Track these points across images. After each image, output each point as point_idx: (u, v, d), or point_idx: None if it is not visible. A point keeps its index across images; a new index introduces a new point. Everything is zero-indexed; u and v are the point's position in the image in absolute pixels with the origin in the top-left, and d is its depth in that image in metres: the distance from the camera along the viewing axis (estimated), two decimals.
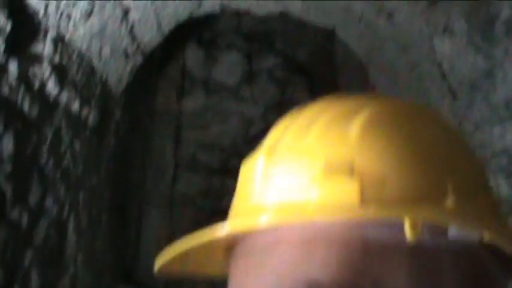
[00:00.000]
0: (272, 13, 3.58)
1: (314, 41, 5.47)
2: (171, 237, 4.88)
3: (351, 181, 0.51)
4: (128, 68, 3.31)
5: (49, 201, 2.39)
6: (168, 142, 5.12)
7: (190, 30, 5.36)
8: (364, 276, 0.49)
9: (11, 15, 1.86)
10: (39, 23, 2.11)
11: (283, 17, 3.97)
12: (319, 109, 0.63)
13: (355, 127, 0.56)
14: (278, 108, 5.40)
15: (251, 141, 5.32)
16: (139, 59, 3.38)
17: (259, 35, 5.78)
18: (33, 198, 2.20)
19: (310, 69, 5.59)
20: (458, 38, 2.27)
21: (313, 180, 0.53)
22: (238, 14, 5.47)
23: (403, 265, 0.49)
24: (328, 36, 5.13)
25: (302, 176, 0.54)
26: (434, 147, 0.57)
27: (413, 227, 0.47)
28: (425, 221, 0.49)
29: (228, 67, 5.50)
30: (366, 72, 3.62)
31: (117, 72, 3.17)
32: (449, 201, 0.52)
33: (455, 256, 0.52)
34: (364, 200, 0.50)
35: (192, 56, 5.47)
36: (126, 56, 3.15)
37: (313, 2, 3.20)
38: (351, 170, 0.52)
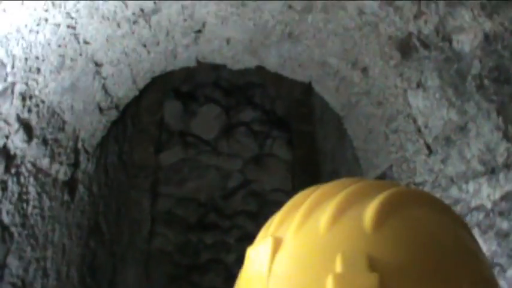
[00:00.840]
0: (248, 68, 3.58)
1: (292, 95, 5.49)
2: None
3: (370, 275, 0.51)
4: (103, 122, 3.27)
5: (14, 261, 2.31)
6: (144, 196, 5.04)
7: (168, 83, 5.36)
8: None
9: None
10: (6, 78, 2.07)
11: (260, 71, 3.98)
12: (322, 196, 0.65)
13: (369, 218, 0.57)
14: (256, 162, 5.38)
15: (229, 195, 5.27)
16: (114, 113, 3.35)
17: (237, 89, 5.79)
18: None
19: (288, 123, 5.59)
20: (432, 93, 2.27)
21: (329, 275, 0.52)
22: (216, 68, 5.49)
23: None
24: (306, 90, 5.15)
25: (315, 270, 0.54)
26: (448, 238, 0.59)
27: None
28: None
29: (206, 120, 5.48)
30: (344, 126, 3.62)
31: (90, 127, 3.13)
32: None
33: None
34: None
35: (170, 109, 5.45)
36: (100, 110, 3.12)
37: (289, 56, 3.21)
38: (369, 263, 0.52)
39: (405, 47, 2.34)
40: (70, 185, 3.04)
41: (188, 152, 5.35)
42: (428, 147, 2.47)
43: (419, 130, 2.51)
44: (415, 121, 2.51)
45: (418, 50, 2.24)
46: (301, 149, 5.35)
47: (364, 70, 2.81)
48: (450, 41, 2.00)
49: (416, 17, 2.11)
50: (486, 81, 1.84)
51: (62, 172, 2.84)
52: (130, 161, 4.96)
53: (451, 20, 1.92)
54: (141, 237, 4.92)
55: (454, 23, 1.91)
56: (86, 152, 3.23)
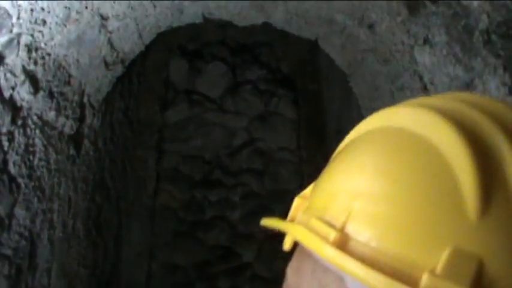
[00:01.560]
0: (255, 24, 3.55)
1: (298, 53, 5.47)
2: (152, 250, 4.84)
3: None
4: (108, 77, 3.27)
5: (21, 211, 2.34)
6: (150, 154, 5.07)
7: (174, 41, 5.33)
8: None
9: None
10: (11, 29, 2.06)
11: (266, 28, 3.95)
12: (401, 163, 0.57)
13: (473, 204, 0.51)
14: (262, 120, 5.38)
15: (234, 153, 5.29)
16: (119, 68, 3.34)
17: (244, 47, 5.77)
18: (3, 207, 2.15)
19: (294, 81, 5.58)
20: (438, 49, 2.25)
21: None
22: (223, 26, 5.46)
23: None
24: (312, 48, 5.13)
25: (411, 266, 0.50)
26: None
27: None
28: None
29: (212, 79, 5.47)
30: (349, 85, 3.60)
31: (96, 81, 3.13)
32: None
33: None
34: None
35: (176, 67, 5.44)
36: (106, 65, 3.11)
37: (296, 13, 3.18)
38: (478, 265, 0.48)
39: (413, 3, 2.31)
40: (76, 139, 3.05)
41: (194, 109, 5.35)
42: None
43: (425, 87, 2.50)
44: (421, 78, 2.50)
45: (426, 6, 2.22)
46: (306, 107, 5.35)
47: (371, 27, 2.79)
48: None
49: None
50: (493, 37, 1.83)
51: (67, 126, 2.85)
52: (136, 118, 4.98)
53: None
54: (146, 194, 4.96)
55: None
56: (92, 107, 3.23)
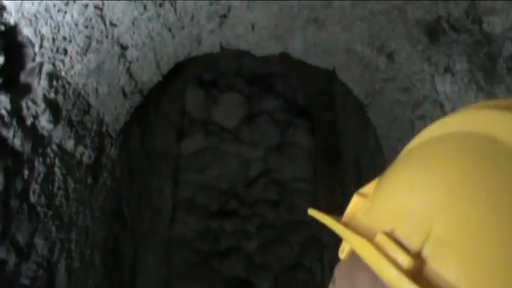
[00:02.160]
0: (272, 54, 3.56)
1: (313, 83, 5.47)
2: (167, 280, 4.80)
3: None
4: (126, 107, 3.28)
5: (39, 240, 2.32)
6: (166, 183, 5.06)
7: (190, 71, 5.36)
8: None
9: (3, 49, 1.83)
10: (34, 57, 2.08)
11: (282, 59, 3.95)
12: (496, 180, 0.50)
13: None
14: (278, 151, 5.37)
15: (250, 183, 5.27)
16: (137, 98, 3.35)
17: (259, 77, 5.79)
18: (22, 236, 2.14)
19: (310, 111, 5.58)
20: (460, 77, 2.24)
21: None
22: (238, 56, 5.48)
23: None
24: (328, 78, 5.13)
25: None
26: None
27: None
28: None
29: (228, 109, 5.49)
30: (366, 114, 3.59)
31: (114, 111, 3.14)
32: None
33: None
34: None
35: (192, 97, 5.46)
36: (124, 94, 3.12)
37: (314, 43, 3.19)
38: None
39: (433, 31, 2.31)
40: (94, 168, 3.05)
41: (210, 139, 5.36)
42: None
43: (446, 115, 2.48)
44: (442, 106, 2.49)
45: (447, 34, 2.21)
46: (322, 137, 5.34)
47: (390, 55, 2.79)
48: (481, 23, 1.97)
49: None
50: None
51: (86, 155, 2.85)
52: (152, 148, 4.98)
53: (482, 2, 1.89)
54: (162, 224, 4.94)
55: (485, 5, 1.88)
56: (110, 136, 3.24)
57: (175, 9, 2.72)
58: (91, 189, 3.08)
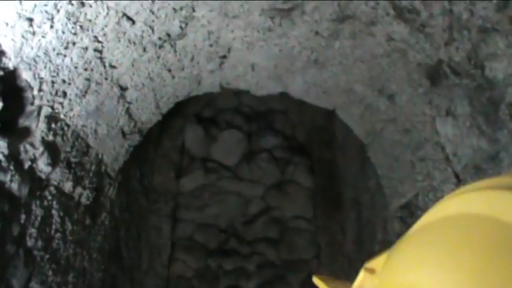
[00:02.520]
0: (272, 94, 3.56)
1: (313, 121, 5.46)
2: None
3: None
4: (125, 147, 3.26)
5: (36, 285, 2.28)
6: (165, 222, 5.01)
7: (189, 108, 5.36)
8: None
9: (2, 94, 1.82)
10: (32, 101, 2.06)
11: (281, 97, 3.95)
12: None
13: None
14: (278, 189, 5.34)
15: (249, 222, 5.23)
16: (136, 138, 3.33)
17: (259, 115, 5.78)
18: (17, 281, 2.10)
19: (309, 149, 5.56)
20: (462, 121, 2.22)
21: None
22: (237, 93, 5.49)
23: None
24: (328, 117, 5.12)
25: None
26: None
27: None
28: None
29: (227, 146, 5.47)
30: (367, 154, 3.57)
31: (113, 151, 3.12)
32: None
33: None
34: None
35: (191, 134, 5.44)
36: (123, 134, 3.11)
37: (314, 83, 3.18)
38: None
39: (435, 74, 2.30)
40: (92, 209, 3.02)
41: (209, 177, 5.33)
42: (457, 175, 2.42)
43: (447, 158, 2.46)
44: (443, 149, 2.47)
45: (448, 77, 2.20)
46: (322, 176, 5.31)
47: (391, 97, 2.78)
48: (483, 68, 1.96)
49: (447, 44, 2.08)
50: None
51: (84, 196, 2.82)
52: (151, 186, 4.95)
53: (484, 47, 1.88)
54: (160, 263, 4.88)
55: (488, 50, 1.87)
56: (109, 176, 3.21)
57: (175, 51, 2.72)
58: (89, 230, 3.04)
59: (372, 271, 0.63)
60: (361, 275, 0.63)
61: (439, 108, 2.39)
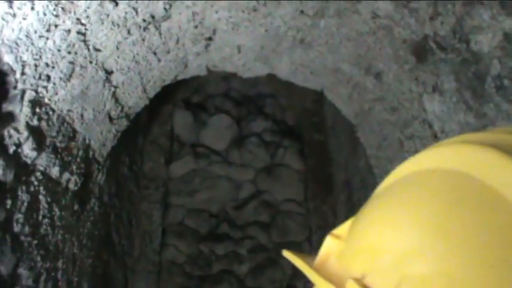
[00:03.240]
0: (259, 76, 3.54)
1: (303, 104, 5.45)
2: None
3: None
4: (113, 132, 3.24)
5: (24, 270, 2.27)
6: (155, 208, 5.01)
7: (178, 94, 5.34)
8: None
9: None
10: (15, 85, 2.04)
11: (271, 81, 3.93)
12: (466, 218, 0.47)
13: None
14: (268, 172, 5.33)
15: (240, 206, 5.22)
16: (124, 123, 3.31)
17: (248, 99, 5.77)
18: (5, 267, 2.08)
19: (299, 132, 5.55)
20: (448, 96, 2.22)
21: None
22: (226, 78, 5.47)
23: None
24: (317, 98, 5.12)
25: None
26: None
27: None
28: None
29: (217, 131, 5.45)
30: (356, 134, 3.57)
31: (100, 136, 3.10)
32: None
33: None
34: None
35: (180, 120, 5.42)
36: (110, 119, 3.08)
37: (301, 64, 3.17)
38: None
39: (420, 50, 2.29)
40: (81, 195, 3.00)
41: (199, 162, 5.32)
42: None
43: (435, 135, 2.46)
44: (431, 126, 2.46)
45: (434, 53, 2.19)
46: (313, 158, 5.31)
47: (378, 75, 2.77)
48: (468, 42, 1.95)
49: (432, 18, 2.07)
50: (506, 82, 1.79)
51: (72, 182, 2.80)
52: (141, 172, 4.94)
53: (468, 20, 1.87)
54: (152, 249, 4.88)
55: (472, 23, 1.86)
56: (97, 162, 3.19)
57: (159, 33, 2.70)
58: (78, 216, 3.03)
59: (338, 237, 0.62)
60: (327, 241, 0.63)
61: (426, 85, 2.39)
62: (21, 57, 2.00)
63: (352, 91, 3.15)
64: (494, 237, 0.44)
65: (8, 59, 1.94)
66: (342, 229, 0.63)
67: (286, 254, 0.65)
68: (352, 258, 0.55)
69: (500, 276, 0.42)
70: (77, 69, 2.41)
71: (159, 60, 2.98)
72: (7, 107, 2.04)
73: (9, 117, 2.06)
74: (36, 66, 2.11)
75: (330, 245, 0.62)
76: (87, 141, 2.93)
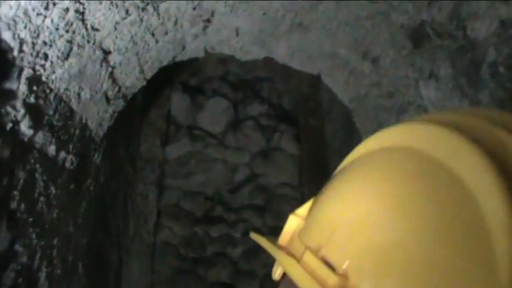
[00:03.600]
0: (256, 59, 3.54)
1: (299, 88, 5.46)
2: (152, 287, 4.76)
3: None
4: (109, 112, 3.24)
5: (19, 248, 2.28)
6: (151, 189, 5.02)
7: (175, 76, 5.34)
8: None
9: None
10: (13, 61, 2.04)
11: (268, 63, 3.94)
12: (419, 194, 0.49)
13: (507, 266, 0.43)
14: (264, 156, 5.35)
15: (235, 189, 5.25)
16: (121, 103, 3.32)
17: (245, 83, 5.77)
18: (0, 243, 2.10)
19: (296, 117, 5.56)
20: (444, 82, 2.23)
21: None
22: (224, 61, 5.47)
23: None
24: (314, 83, 5.12)
25: None
26: None
27: None
28: None
29: (214, 114, 5.46)
30: (352, 120, 3.58)
31: (97, 116, 3.11)
32: None
33: None
34: None
35: (177, 102, 5.43)
36: (107, 99, 3.09)
37: (298, 48, 3.18)
38: None
39: (417, 36, 2.30)
40: (77, 174, 3.01)
41: (195, 145, 5.33)
42: None
43: None
44: (426, 112, 2.48)
45: (431, 39, 2.20)
46: (308, 143, 5.32)
47: (375, 61, 2.78)
48: (464, 29, 1.96)
49: (429, 4, 2.08)
50: (501, 68, 1.81)
51: (68, 161, 2.81)
52: (137, 154, 4.95)
53: (466, 7, 1.89)
54: (146, 230, 4.90)
55: (469, 10, 1.87)
56: (93, 142, 3.20)
57: (158, 14, 2.70)
58: (74, 196, 3.04)
59: (299, 216, 0.66)
60: (289, 220, 0.66)
61: (422, 71, 2.40)
62: (19, 34, 2.00)
63: (348, 76, 3.16)
64: (448, 211, 0.46)
65: (6, 36, 1.94)
66: (304, 208, 0.67)
67: (253, 235, 0.67)
68: (309, 233, 0.57)
69: (454, 249, 0.44)
70: (75, 48, 2.41)
71: (157, 41, 2.98)
72: (4, 83, 2.04)
73: (6, 94, 2.07)
74: (33, 44, 2.11)
75: (292, 224, 0.65)
76: (83, 121, 2.93)
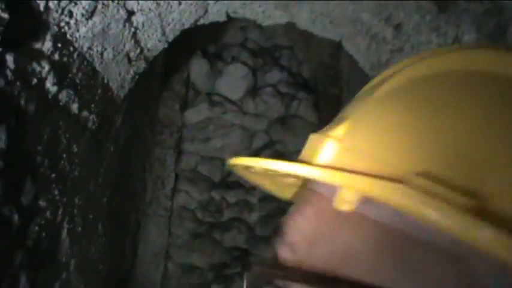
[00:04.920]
0: (278, 24, 3.53)
1: (319, 57, 5.44)
2: (168, 250, 4.82)
3: None
4: (131, 74, 3.26)
5: (42, 203, 2.32)
6: (169, 154, 5.06)
7: (195, 42, 5.33)
8: None
9: (8, 7, 1.81)
10: (39, 18, 2.06)
11: (288, 30, 3.92)
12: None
13: None
14: (282, 123, 5.36)
15: (253, 155, 5.26)
16: (142, 65, 3.33)
17: (265, 50, 5.76)
18: (25, 197, 2.13)
19: (315, 85, 5.55)
20: None
21: None
22: (244, 28, 5.45)
23: None
24: (333, 51, 5.10)
25: None
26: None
27: None
28: None
29: (233, 80, 5.46)
30: None
31: (119, 77, 3.12)
32: None
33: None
34: None
35: (197, 68, 5.43)
36: (129, 60, 3.10)
37: (321, 13, 3.16)
38: None
39: (442, 1, 2.28)
40: (98, 135, 3.04)
41: (214, 110, 5.34)
42: None
43: None
44: None
45: (457, 3, 2.19)
46: (327, 111, 5.32)
47: (398, 26, 2.76)
48: None
49: None
50: None
51: (90, 120, 2.84)
52: (155, 118, 4.97)
53: None
54: (164, 194, 4.95)
55: None
56: (114, 102, 3.22)
57: None
58: (95, 155, 3.08)
59: (339, 139, 0.55)
60: (328, 144, 0.55)
61: (447, 36, 2.38)
62: None
63: (370, 42, 3.14)
64: None
65: None
66: (339, 130, 0.57)
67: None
68: (391, 157, 0.48)
69: None
70: (99, 6, 2.42)
71: (180, 3, 2.98)
72: (30, 39, 2.06)
73: (32, 50, 2.09)
74: (59, 1, 2.12)
75: (328, 148, 0.54)
76: (105, 81, 2.95)
